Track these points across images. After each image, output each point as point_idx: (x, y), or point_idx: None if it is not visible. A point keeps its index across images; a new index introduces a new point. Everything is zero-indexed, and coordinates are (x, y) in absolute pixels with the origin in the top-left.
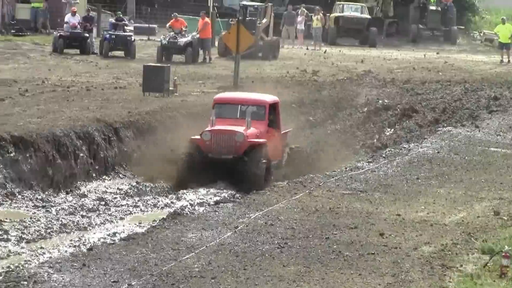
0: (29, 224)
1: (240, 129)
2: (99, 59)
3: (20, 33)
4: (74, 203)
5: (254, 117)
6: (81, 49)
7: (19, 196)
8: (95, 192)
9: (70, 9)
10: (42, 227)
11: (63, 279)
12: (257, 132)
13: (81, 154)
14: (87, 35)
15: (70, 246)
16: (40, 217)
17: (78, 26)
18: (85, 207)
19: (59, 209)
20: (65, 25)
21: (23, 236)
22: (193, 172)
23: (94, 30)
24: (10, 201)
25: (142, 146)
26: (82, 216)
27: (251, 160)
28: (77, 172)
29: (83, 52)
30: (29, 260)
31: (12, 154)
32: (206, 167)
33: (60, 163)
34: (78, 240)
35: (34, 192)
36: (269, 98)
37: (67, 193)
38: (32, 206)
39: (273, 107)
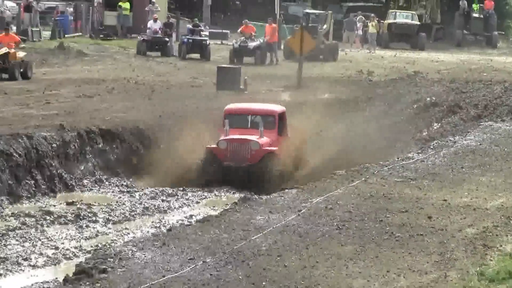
0: (115, 207)
1: (254, 138)
2: (178, 60)
3: (108, 38)
4: (155, 189)
5: (264, 126)
6: (162, 52)
7: (106, 183)
8: None
9: (152, 16)
10: (126, 210)
11: (145, 256)
12: (270, 141)
13: (162, 145)
14: (167, 39)
15: (151, 227)
16: (125, 201)
17: (159, 32)
18: (165, 193)
19: (142, 194)
20: (147, 30)
21: (109, 218)
22: (209, 179)
23: (174, 35)
24: (98, 187)
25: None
26: (162, 201)
27: (265, 167)
28: None
29: (164, 55)
30: (115, 239)
31: (100, 145)
32: (222, 175)
33: (142, 153)
34: (158, 222)
35: (119, 179)
36: (278, 108)
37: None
38: (118, 192)
39: (281, 116)
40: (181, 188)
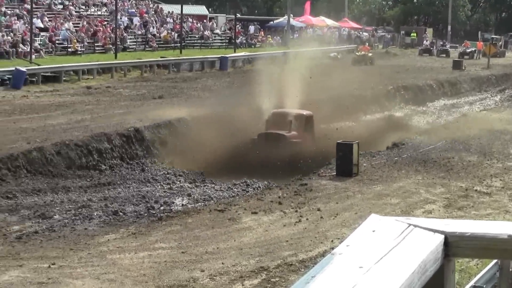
0: None
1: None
2: None
3: None
4: None
5: (294, 125)
6: None
7: None
8: None
9: None
10: None
11: None
12: (296, 134)
13: None
14: None
15: None
16: None
17: None
18: None
19: None
20: None
21: None
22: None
23: None
24: None
25: None
26: None
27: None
28: None
29: None
30: None
31: None
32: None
33: None
34: None
35: None
36: (306, 112)
37: None
38: None
39: (309, 118)
40: None
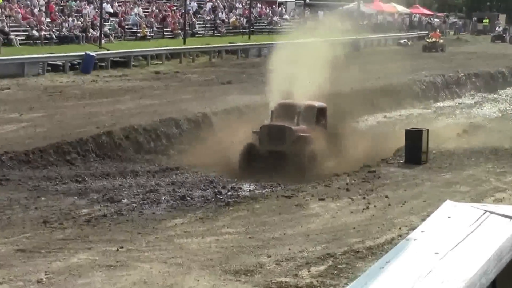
0: None
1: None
2: None
3: None
4: None
5: (303, 118)
6: None
7: None
8: None
9: None
10: None
11: None
12: (305, 128)
13: None
14: None
15: None
16: None
17: None
18: None
19: None
20: None
21: None
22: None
23: None
24: None
25: None
26: None
27: (297, 148)
28: None
29: None
30: None
31: None
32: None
33: None
34: None
35: None
36: (318, 104)
37: None
38: None
39: (322, 111)
40: None
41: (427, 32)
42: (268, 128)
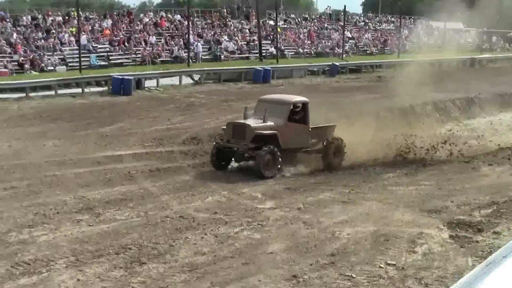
0: None
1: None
2: None
3: None
4: None
5: (275, 114)
6: None
7: None
8: None
9: None
10: None
11: None
12: (271, 125)
13: None
14: None
15: None
16: None
17: None
18: None
19: None
20: None
21: None
22: None
23: None
24: None
25: None
26: None
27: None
28: None
29: None
30: None
31: None
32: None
33: None
34: None
35: None
36: (295, 99)
37: None
38: None
39: (299, 106)
40: None
41: None
42: (232, 126)
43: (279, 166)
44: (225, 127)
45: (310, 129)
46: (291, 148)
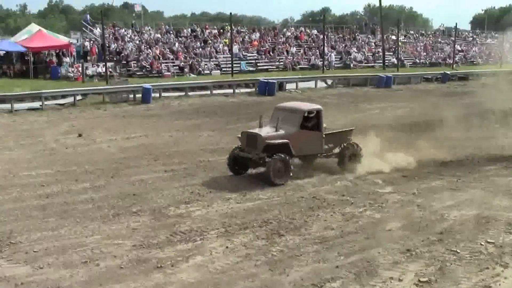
0: None
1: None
2: None
3: None
4: None
5: (287, 122)
6: None
7: None
8: None
9: None
10: None
11: None
12: (282, 134)
13: None
14: None
15: None
16: None
17: None
18: None
19: None
20: None
21: None
22: None
23: None
24: None
25: None
26: None
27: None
28: None
29: None
30: None
31: None
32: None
33: None
34: None
35: None
36: (308, 107)
37: None
38: None
39: (312, 114)
40: None
41: None
42: (245, 135)
43: (291, 174)
44: (239, 135)
45: (324, 136)
46: (306, 155)
